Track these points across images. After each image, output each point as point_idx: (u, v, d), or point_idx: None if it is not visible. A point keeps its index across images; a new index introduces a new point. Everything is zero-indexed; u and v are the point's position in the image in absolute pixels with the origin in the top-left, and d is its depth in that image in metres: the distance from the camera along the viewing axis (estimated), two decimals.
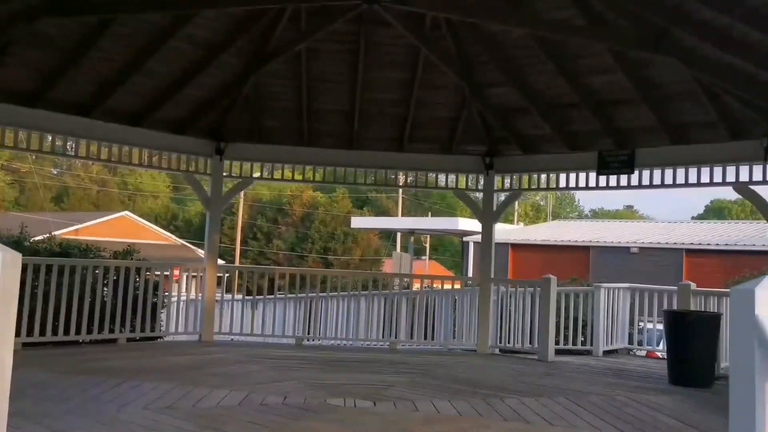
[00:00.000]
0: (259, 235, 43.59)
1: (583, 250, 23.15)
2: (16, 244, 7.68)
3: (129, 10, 6.42)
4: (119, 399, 4.89)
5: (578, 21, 6.54)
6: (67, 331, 7.08)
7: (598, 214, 53.40)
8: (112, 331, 7.49)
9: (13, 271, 1.80)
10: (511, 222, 36.02)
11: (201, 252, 33.64)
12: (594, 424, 4.87)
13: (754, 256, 19.03)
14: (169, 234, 36.06)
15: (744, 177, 7.14)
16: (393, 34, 7.05)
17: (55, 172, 44.80)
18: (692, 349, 6.62)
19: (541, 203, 52.41)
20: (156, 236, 33.55)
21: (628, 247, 22.42)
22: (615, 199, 67.10)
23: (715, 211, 57.91)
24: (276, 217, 44.27)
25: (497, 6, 6.57)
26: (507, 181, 8.74)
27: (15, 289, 1.81)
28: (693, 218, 49.40)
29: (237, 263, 32.55)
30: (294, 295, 8.84)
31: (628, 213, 55.79)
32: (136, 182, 47.32)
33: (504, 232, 26.19)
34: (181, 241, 35.66)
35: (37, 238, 9.50)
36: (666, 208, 70.11)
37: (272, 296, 8.78)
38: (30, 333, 6.76)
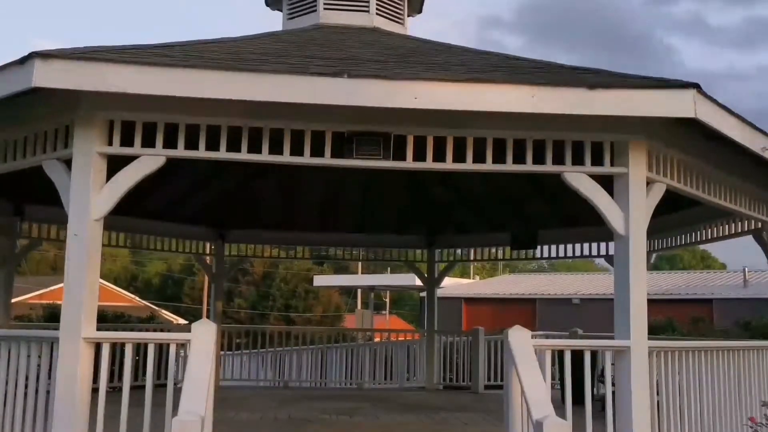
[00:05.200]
0: (212, 290, 45.76)
1: (530, 302, 26.48)
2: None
3: None
4: None
5: None
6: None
7: (554, 266, 57.12)
8: (136, 379, 10.19)
9: (213, 335, 4.72)
10: (468, 276, 39.34)
11: (165, 313, 35.78)
12: (494, 424, 7.87)
13: (676, 304, 22.56)
14: (132, 295, 38.24)
15: (611, 251, 10.42)
16: None
17: None
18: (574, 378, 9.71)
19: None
20: (120, 298, 35.71)
21: (570, 299, 25.82)
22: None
23: (668, 259, 62.43)
24: (237, 276, 46.59)
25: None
26: (445, 254, 11.89)
27: (214, 344, 4.74)
28: None
29: None
30: (281, 348, 11.74)
31: (585, 263, 59.57)
32: None
33: (459, 286, 29.41)
34: (144, 302, 37.84)
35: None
36: None
37: (264, 349, 11.64)
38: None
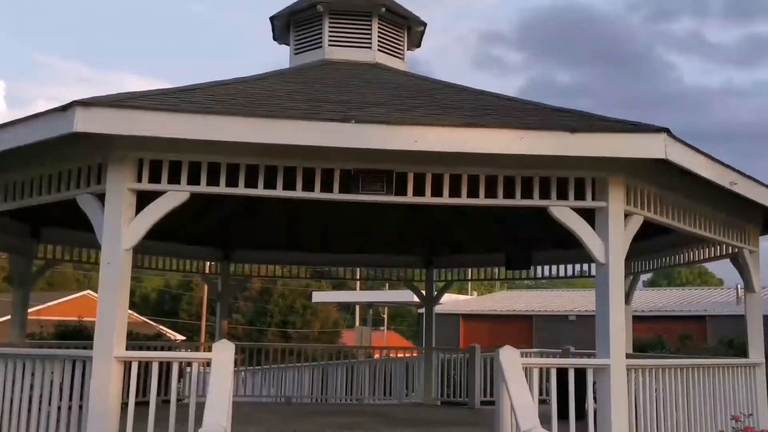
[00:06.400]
0: (217, 309, 46.18)
1: (527, 318, 27.01)
2: (78, 333, 10.92)
3: None
4: None
5: None
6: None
7: (553, 283, 57.73)
8: (144, 394, 10.71)
9: (232, 354, 5.25)
10: (466, 292, 39.85)
11: (162, 328, 36.19)
12: None
13: (670, 320, 23.10)
14: (130, 311, 38.65)
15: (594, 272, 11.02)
16: None
17: None
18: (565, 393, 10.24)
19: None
20: None
21: (567, 316, 26.35)
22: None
23: (666, 275, 63.08)
24: (234, 292, 46.97)
25: None
26: (443, 274, 12.45)
27: (232, 363, 5.27)
28: (644, 282, 54.33)
29: (203, 340, 35.35)
30: (284, 365, 12.26)
31: (582, 281, 60.14)
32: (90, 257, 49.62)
33: (456, 302, 29.94)
34: (143, 318, 38.31)
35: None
36: None
37: (267, 366, 12.17)
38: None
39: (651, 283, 55.72)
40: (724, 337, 14.04)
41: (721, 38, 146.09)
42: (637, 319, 21.20)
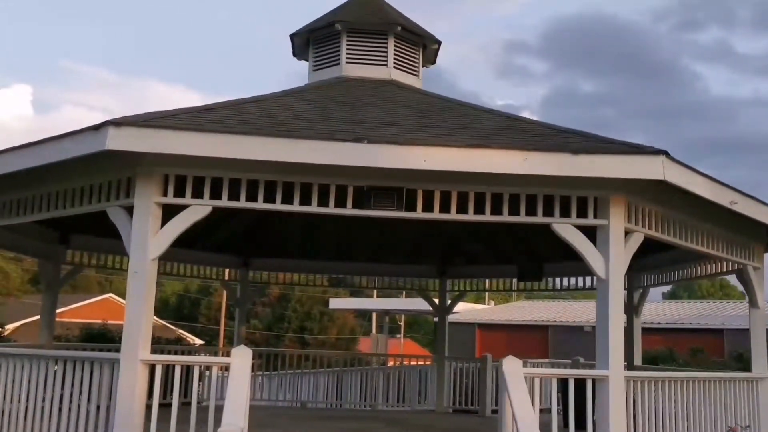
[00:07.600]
0: (236, 315, 46.72)
1: (543, 329, 27.13)
2: (102, 335, 11.32)
3: None
4: None
5: None
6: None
7: (571, 293, 57.65)
8: (164, 396, 11.08)
9: (249, 360, 5.59)
10: (483, 301, 39.98)
11: (182, 332, 36.67)
12: None
13: (687, 333, 23.10)
14: None
15: None
16: None
17: None
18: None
19: None
20: None
21: (582, 326, 26.42)
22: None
23: (686, 287, 62.73)
24: (253, 298, 47.49)
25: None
26: (456, 284, 12.72)
27: (250, 368, 5.60)
28: (663, 294, 54.18)
29: (221, 345, 35.89)
30: (300, 371, 12.60)
31: None
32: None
33: (473, 312, 30.14)
34: (162, 321, 38.86)
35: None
36: None
37: (284, 371, 12.52)
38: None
39: (671, 295, 55.49)
40: (734, 351, 14.12)
41: (749, 48, 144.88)
42: (653, 332, 21.28)
